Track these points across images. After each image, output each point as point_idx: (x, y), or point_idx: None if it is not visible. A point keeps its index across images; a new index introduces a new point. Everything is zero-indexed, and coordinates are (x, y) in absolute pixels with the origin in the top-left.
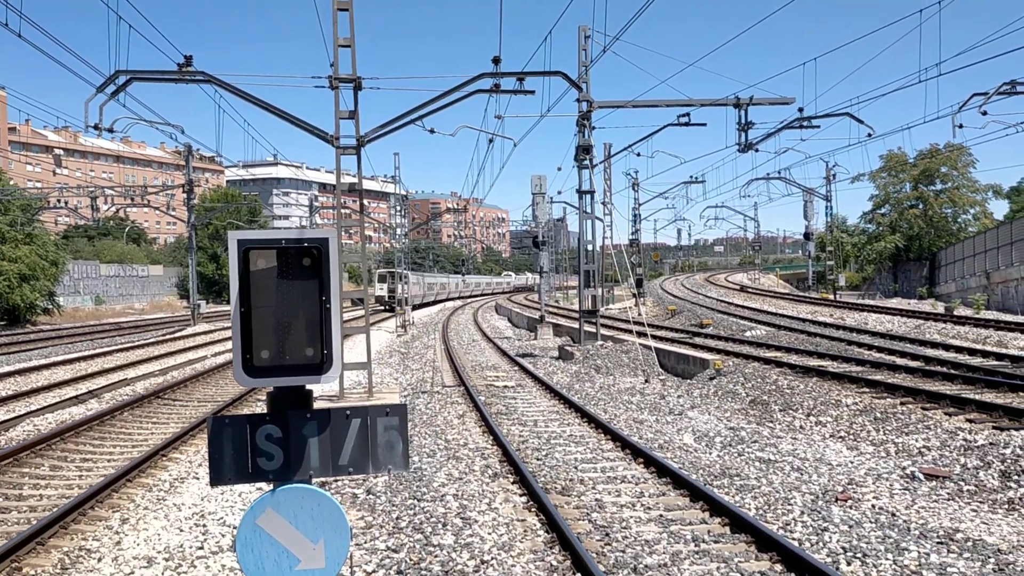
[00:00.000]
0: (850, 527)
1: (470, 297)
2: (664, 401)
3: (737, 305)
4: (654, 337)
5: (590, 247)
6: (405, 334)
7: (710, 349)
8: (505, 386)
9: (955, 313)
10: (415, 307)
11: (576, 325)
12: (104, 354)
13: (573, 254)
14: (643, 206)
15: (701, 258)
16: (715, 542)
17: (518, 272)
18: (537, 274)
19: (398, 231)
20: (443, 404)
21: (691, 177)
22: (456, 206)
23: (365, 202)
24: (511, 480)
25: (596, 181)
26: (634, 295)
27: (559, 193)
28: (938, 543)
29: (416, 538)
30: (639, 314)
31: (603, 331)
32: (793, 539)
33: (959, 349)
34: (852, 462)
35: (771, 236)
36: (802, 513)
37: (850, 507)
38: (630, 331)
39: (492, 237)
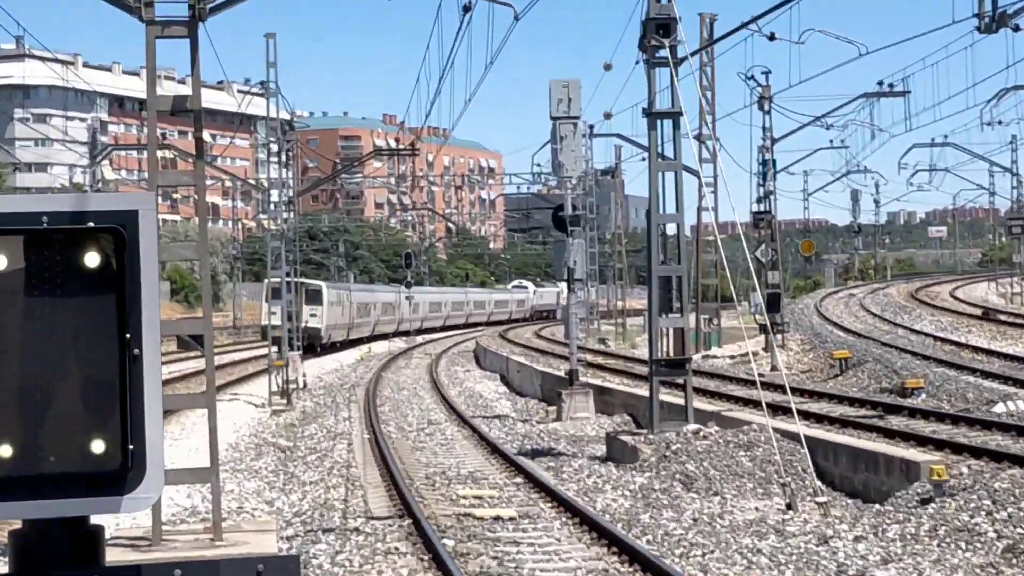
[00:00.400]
0: None
1: (439, 331)
2: (831, 554)
3: (976, 349)
4: (805, 415)
5: (671, 229)
6: (289, 408)
7: (921, 440)
8: (496, 519)
9: None
10: (326, 348)
11: (643, 390)
12: None
13: (635, 243)
14: (780, 142)
15: (901, 250)
16: None
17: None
18: (563, 284)
19: (275, 196)
20: (368, 560)
21: (880, 85)
22: (395, 143)
23: (209, 135)
24: None
25: (683, 94)
26: (762, 328)
27: (606, 119)
28: None
29: None
30: (774, 367)
31: (700, 402)
32: None
33: None
34: None
35: None
36: None
37: None
38: (755, 402)
39: (468, 205)
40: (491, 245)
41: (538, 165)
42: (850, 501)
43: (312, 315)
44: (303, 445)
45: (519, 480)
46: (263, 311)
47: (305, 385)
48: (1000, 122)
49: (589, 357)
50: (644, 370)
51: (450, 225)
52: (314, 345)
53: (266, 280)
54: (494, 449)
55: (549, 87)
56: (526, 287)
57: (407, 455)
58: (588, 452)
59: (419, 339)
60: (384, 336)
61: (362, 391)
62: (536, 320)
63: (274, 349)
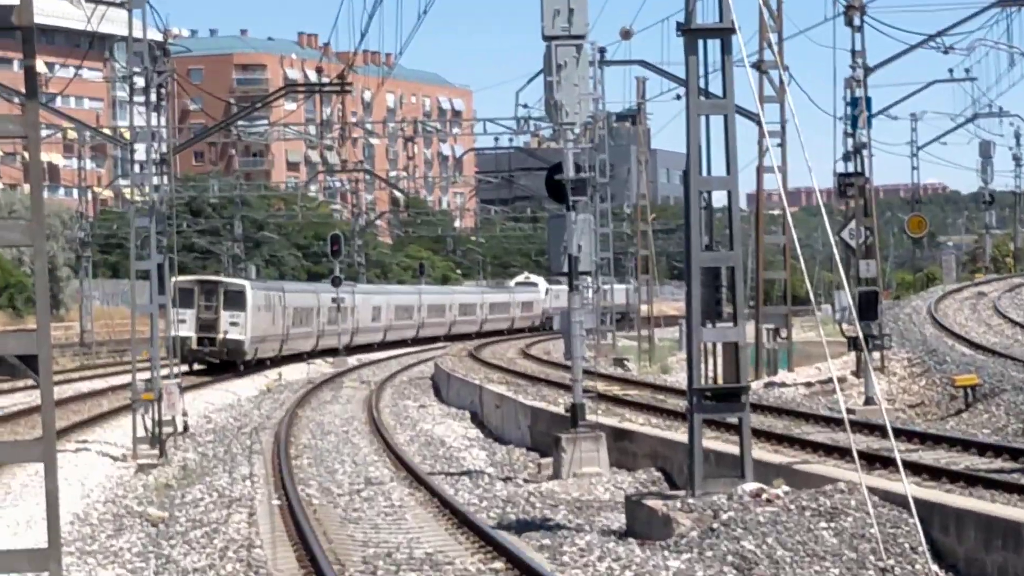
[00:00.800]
0: None
1: (411, 343)
2: None
3: None
4: (915, 469)
5: (719, 199)
6: (163, 462)
7: None
8: None
9: None
10: (250, 366)
11: (680, 434)
12: None
13: (666, 219)
14: (877, 72)
15: None
16: None
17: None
18: (564, 280)
19: (140, 152)
20: None
21: None
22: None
23: (45, 64)
24: None
25: (737, 1)
26: (852, 343)
27: (624, 39)
28: None
29: None
30: (870, 399)
31: (763, 450)
32: None
33: None
34: None
35: None
36: None
37: None
38: (843, 450)
39: (422, 164)
40: (456, 223)
41: (525, 107)
42: None
43: (233, 323)
44: (183, 515)
45: (498, 566)
46: (172, 317)
47: (186, 428)
48: None
49: (601, 386)
50: (681, 404)
51: (397, 194)
52: (235, 362)
53: (172, 279)
54: (462, 521)
55: None
56: (535, 284)
57: (336, 530)
58: (600, 524)
59: (352, 360)
60: (332, 351)
61: (269, 436)
62: (542, 331)
63: (164, 373)
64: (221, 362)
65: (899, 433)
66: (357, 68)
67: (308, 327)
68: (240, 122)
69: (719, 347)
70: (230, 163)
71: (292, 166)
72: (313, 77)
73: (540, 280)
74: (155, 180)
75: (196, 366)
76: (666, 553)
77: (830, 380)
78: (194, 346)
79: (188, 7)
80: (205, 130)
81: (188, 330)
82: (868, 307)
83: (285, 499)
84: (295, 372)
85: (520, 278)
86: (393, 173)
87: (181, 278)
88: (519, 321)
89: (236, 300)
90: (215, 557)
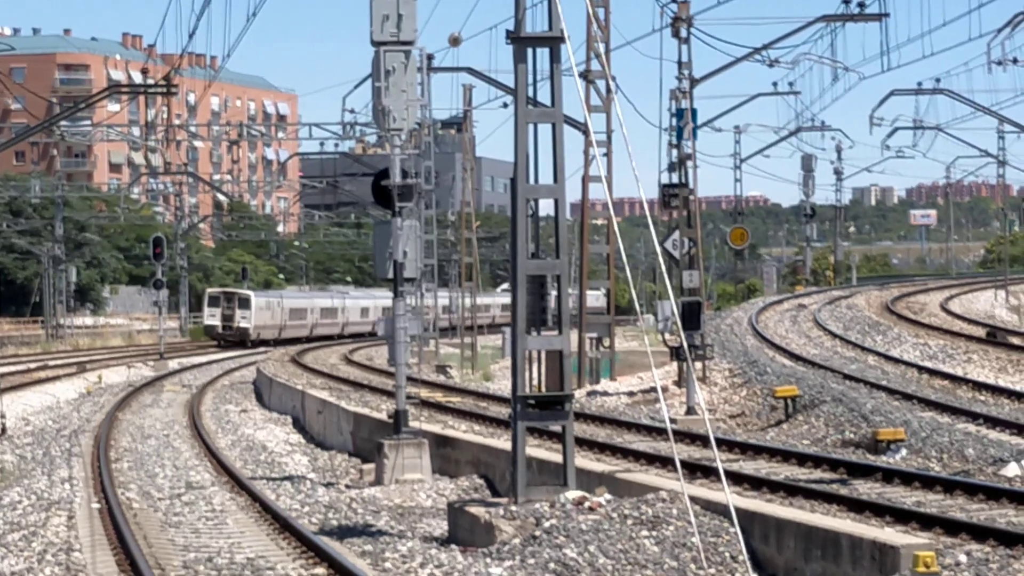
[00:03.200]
0: None
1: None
2: None
3: (977, 385)
4: (735, 478)
5: (545, 208)
6: None
7: (901, 515)
8: None
9: None
10: (254, 344)
11: (503, 442)
12: None
13: (491, 227)
14: (703, 84)
15: (872, 242)
16: None
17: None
18: (391, 289)
19: None
20: None
21: (847, 3)
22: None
23: None
24: None
25: (567, 11)
26: (675, 352)
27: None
28: None
29: None
30: (691, 408)
31: (586, 459)
32: None
33: None
34: None
35: None
36: None
37: None
38: (665, 459)
39: (247, 168)
40: (280, 228)
41: (351, 112)
42: None
43: (243, 317)
44: (0, 518)
45: (320, 572)
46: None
47: (4, 431)
48: (1015, 60)
49: (424, 393)
50: (504, 411)
51: (220, 198)
52: (244, 341)
53: (207, 290)
54: (284, 526)
55: None
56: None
57: (156, 533)
58: (422, 531)
59: (174, 364)
60: (327, 338)
61: (89, 439)
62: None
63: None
64: (237, 341)
65: (721, 443)
66: (182, 70)
67: (303, 321)
68: (63, 122)
69: (543, 356)
70: (52, 163)
71: (115, 168)
72: (138, 78)
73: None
74: None
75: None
76: (488, 560)
77: (653, 389)
78: (220, 331)
79: (10, 5)
80: (27, 130)
81: (216, 321)
82: (691, 317)
83: (105, 503)
84: (115, 375)
85: (501, 290)
86: (217, 176)
87: (211, 289)
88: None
89: (245, 303)
90: (33, 561)
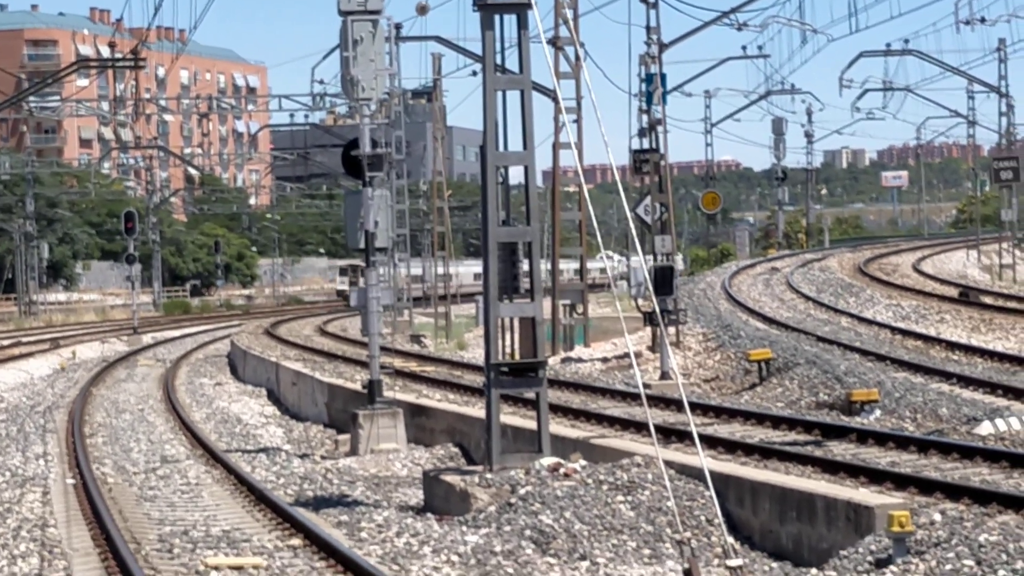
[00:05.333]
0: None
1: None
2: None
3: (950, 345)
4: (710, 442)
5: (516, 175)
6: None
7: (876, 476)
8: None
9: None
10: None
11: (477, 410)
12: None
13: (463, 195)
14: (672, 48)
15: (844, 204)
16: None
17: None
18: (363, 258)
19: None
20: None
21: None
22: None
23: None
24: None
25: None
26: (648, 318)
27: (420, 15)
28: None
29: None
30: (665, 373)
31: (560, 425)
32: None
33: None
34: None
35: None
36: None
37: None
38: (640, 425)
39: (217, 141)
40: (252, 200)
41: (320, 83)
42: (775, 565)
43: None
44: None
45: (296, 543)
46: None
47: None
48: (983, 20)
49: (398, 362)
50: (478, 380)
51: (191, 171)
52: None
53: (340, 264)
54: (260, 497)
55: None
56: (617, 260)
57: (132, 508)
58: (398, 500)
59: (148, 339)
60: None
61: (63, 415)
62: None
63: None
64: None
65: (695, 407)
66: (150, 44)
67: (418, 285)
68: (31, 98)
69: (516, 323)
70: (21, 140)
71: (85, 143)
72: (106, 53)
73: (615, 255)
74: None
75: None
76: (464, 528)
77: (626, 355)
78: (348, 295)
79: None
80: None
81: (344, 287)
82: (663, 282)
83: (80, 478)
84: (89, 351)
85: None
86: (188, 150)
87: (341, 262)
88: None
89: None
90: (8, 537)
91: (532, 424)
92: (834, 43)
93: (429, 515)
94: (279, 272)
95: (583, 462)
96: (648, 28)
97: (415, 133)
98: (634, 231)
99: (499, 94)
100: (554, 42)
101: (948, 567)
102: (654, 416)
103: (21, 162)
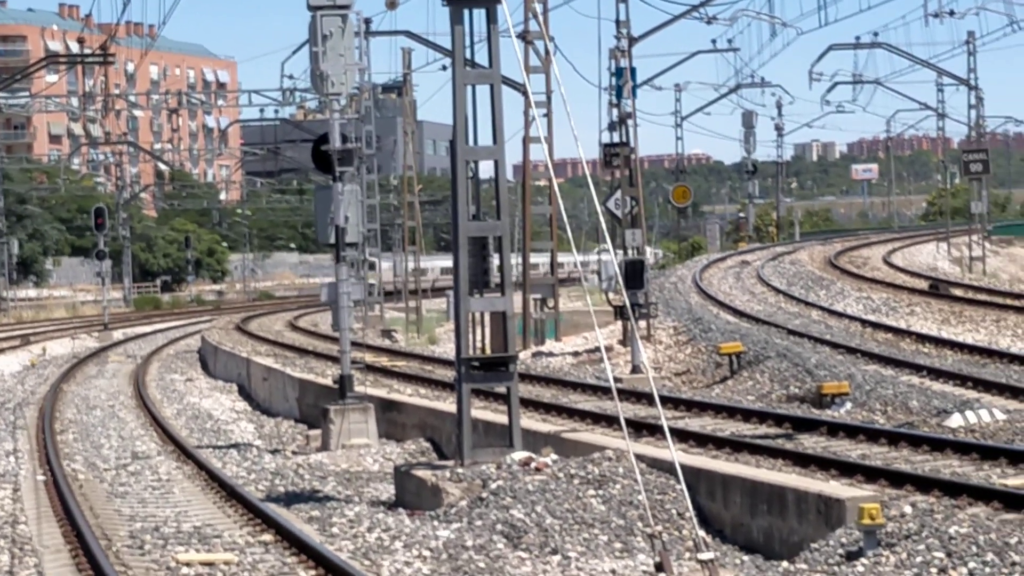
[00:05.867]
0: None
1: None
2: None
3: (921, 337)
4: (681, 435)
5: (486, 170)
6: None
7: (847, 468)
8: None
9: None
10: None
11: (448, 404)
12: None
13: (433, 190)
14: (642, 42)
15: (815, 197)
16: None
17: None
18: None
19: None
20: None
21: None
22: (79, 46)
23: None
24: None
25: None
26: (619, 312)
27: (390, 9)
28: None
29: None
30: (636, 367)
31: (531, 419)
32: None
33: None
34: None
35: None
36: None
37: None
38: (611, 418)
39: (187, 137)
40: (222, 196)
41: (290, 78)
42: (747, 558)
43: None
44: None
45: (267, 538)
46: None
47: None
48: (952, 13)
49: (369, 357)
50: (449, 374)
51: (161, 167)
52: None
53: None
54: (231, 493)
55: None
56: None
57: (102, 504)
58: (369, 495)
59: (118, 334)
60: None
61: (34, 412)
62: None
63: None
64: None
65: (666, 401)
66: (119, 39)
67: (425, 277)
68: (0, 94)
69: (487, 317)
70: None
71: (55, 139)
72: (75, 48)
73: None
74: None
75: None
76: (436, 523)
77: (597, 349)
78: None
79: None
80: None
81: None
82: (634, 276)
83: (50, 474)
84: (60, 347)
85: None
86: (157, 145)
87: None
88: None
89: (372, 266)
90: None
91: (503, 418)
92: (804, 36)
93: (400, 510)
94: (250, 267)
95: (554, 456)
96: (618, 22)
97: (385, 128)
98: (604, 225)
99: (469, 89)
100: (524, 36)
101: (919, 559)
102: (625, 410)
103: None
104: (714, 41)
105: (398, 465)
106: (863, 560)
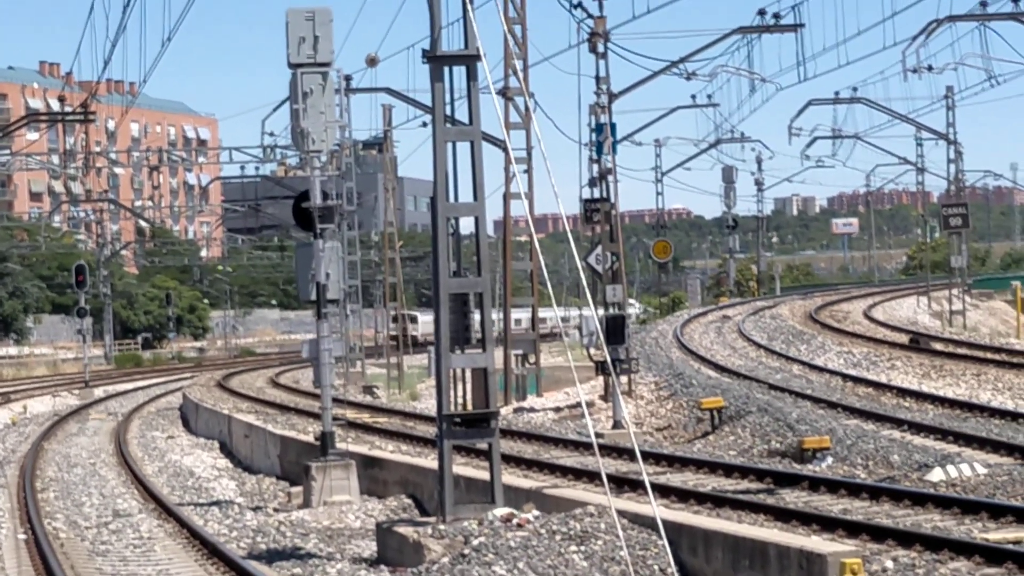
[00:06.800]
0: None
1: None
2: None
3: (901, 391)
4: (663, 491)
5: (466, 226)
6: None
7: (828, 523)
8: None
9: None
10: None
11: (430, 460)
12: None
13: (414, 246)
14: (621, 98)
15: (795, 252)
16: None
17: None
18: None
19: None
20: None
21: (762, 15)
22: (59, 103)
23: None
24: None
25: (483, 28)
26: (600, 367)
27: (370, 67)
28: None
29: None
30: (617, 423)
31: (513, 475)
32: None
33: None
34: None
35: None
36: None
37: None
38: (592, 474)
39: (168, 194)
40: (203, 252)
41: (271, 135)
42: None
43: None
44: None
45: None
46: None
47: None
48: (930, 68)
49: (351, 414)
50: (431, 431)
51: (142, 224)
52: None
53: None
54: (213, 551)
55: (286, 18)
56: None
57: (84, 562)
58: (351, 552)
59: (99, 392)
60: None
61: (15, 470)
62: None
63: None
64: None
65: (647, 456)
66: (100, 97)
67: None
68: None
69: (469, 373)
70: None
71: (35, 196)
72: (56, 106)
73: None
74: None
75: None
76: None
77: (579, 404)
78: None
79: None
80: None
81: (417, 332)
82: (615, 331)
83: (31, 533)
84: (41, 405)
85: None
86: (138, 203)
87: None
88: None
89: (414, 319)
90: None
91: (485, 474)
92: (783, 92)
93: (383, 567)
94: (231, 324)
95: (536, 512)
96: (597, 78)
97: (366, 184)
98: (585, 280)
99: (449, 145)
100: (504, 93)
101: None
102: (607, 465)
103: None
104: (694, 96)
105: (380, 522)
106: None
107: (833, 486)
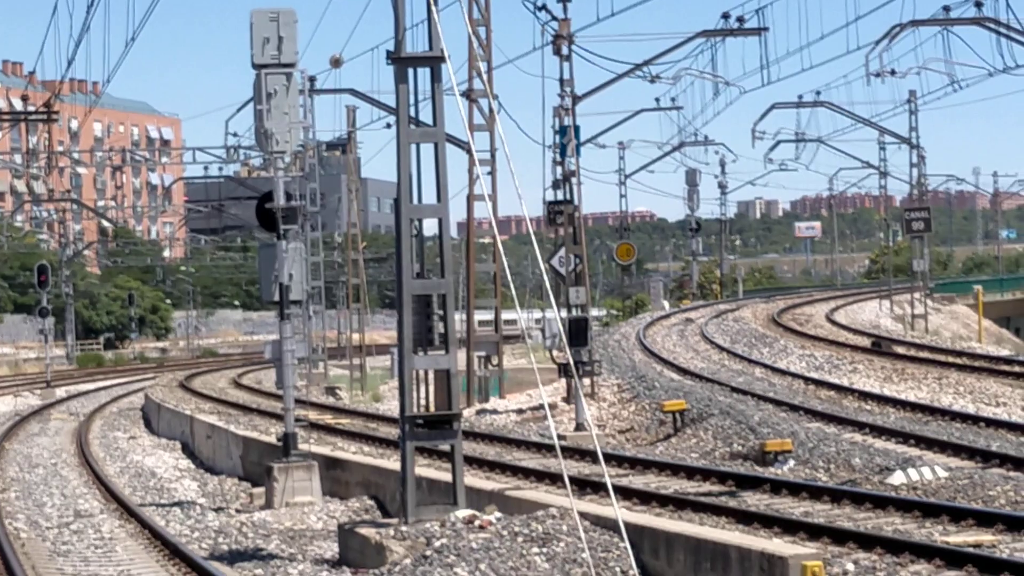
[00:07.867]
0: None
1: None
2: None
3: (863, 395)
4: (624, 493)
5: (430, 227)
6: None
7: (789, 526)
8: None
9: None
10: None
11: (393, 462)
12: None
13: (378, 247)
14: (585, 100)
15: (758, 255)
16: None
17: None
18: (280, 312)
19: None
20: None
21: (726, 19)
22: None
23: None
24: None
25: (447, 30)
26: (562, 369)
27: (334, 68)
28: None
29: None
30: (580, 425)
31: (475, 477)
32: None
33: None
34: None
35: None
36: None
37: None
38: (554, 476)
39: (131, 194)
40: (166, 253)
41: (235, 135)
42: None
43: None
44: None
45: None
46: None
47: None
48: (893, 72)
49: (313, 415)
50: (393, 432)
51: (105, 224)
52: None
53: None
54: (174, 552)
55: (250, 19)
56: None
57: (45, 563)
58: (313, 553)
59: (61, 392)
60: None
61: None
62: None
63: None
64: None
65: (609, 458)
66: (64, 96)
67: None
68: None
69: (431, 375)
70: None
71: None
72: (18, 105)
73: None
74: None
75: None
76: None
77: (541, 407)
78: None
79: None
80: None
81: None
82: (578, 334)
83: None
84: (2, 405)
85: None
86: (101, 203)
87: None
88: None
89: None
90: None
91: (447, 476)
92: (747, 95)
93: (345, 568)
94: (193, 325)
95: (498, 514)
96: (561, 80)
97: (330, 185)
98: (548, 283)
99: (413, 147)
100: (468, 95)
101: None
102: (569, 467)
103: None
104: (657, 99)
105: (342, 523)
106: None
107: (795, 489)
